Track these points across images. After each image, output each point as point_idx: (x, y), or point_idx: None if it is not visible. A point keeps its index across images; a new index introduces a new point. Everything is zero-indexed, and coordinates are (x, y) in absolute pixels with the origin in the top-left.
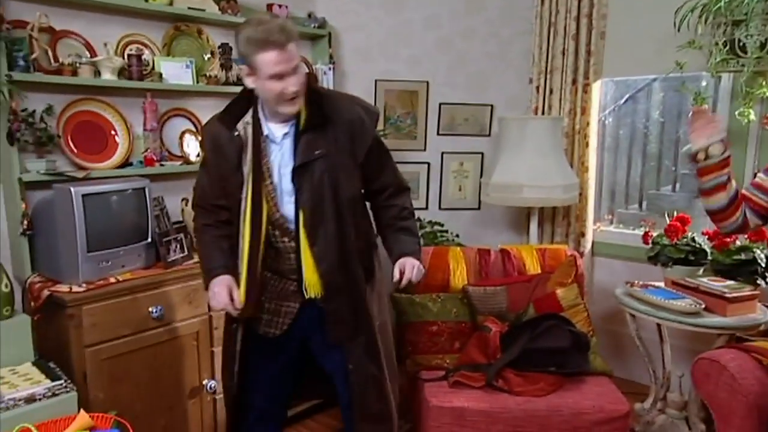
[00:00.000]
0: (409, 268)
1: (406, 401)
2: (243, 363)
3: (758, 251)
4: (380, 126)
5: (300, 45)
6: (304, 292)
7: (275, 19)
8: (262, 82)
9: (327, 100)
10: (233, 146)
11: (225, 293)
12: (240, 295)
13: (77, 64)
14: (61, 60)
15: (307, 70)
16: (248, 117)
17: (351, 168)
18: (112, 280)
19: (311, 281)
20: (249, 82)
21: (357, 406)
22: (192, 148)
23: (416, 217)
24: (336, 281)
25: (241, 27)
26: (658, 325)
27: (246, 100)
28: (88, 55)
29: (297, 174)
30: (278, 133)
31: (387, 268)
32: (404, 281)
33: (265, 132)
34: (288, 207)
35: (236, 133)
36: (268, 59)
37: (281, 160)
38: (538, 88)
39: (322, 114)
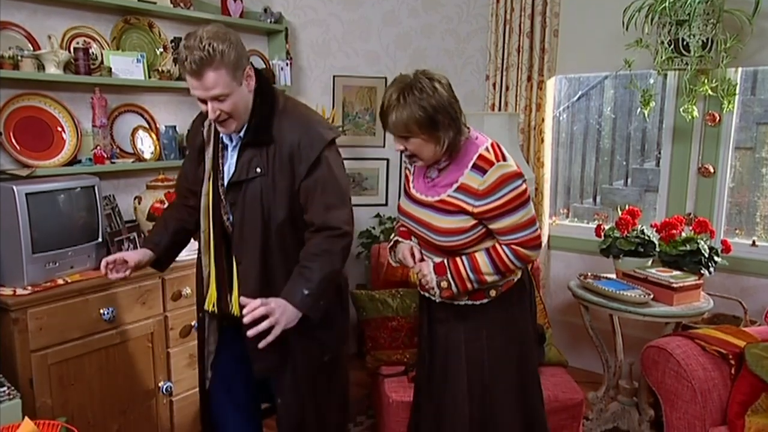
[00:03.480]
0: (268, 320)
1: (368, 397)
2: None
3: (702, 242)
4: (338, 122)
5: (235, 68)
6: (231, 307)
7: (203, 39)
8: None
9: (278, 117)
10: (196, 141)
11: (121, 257)
12: (215, 288)
13: (18, 58)
14: (0, 53)
15: (250, 89)
16: None
17: (287, 192)
18: (60, 281)
19: (235, 298)
20: None
21: None
22: (145, 145)
23: (336, 264)
24: None
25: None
26: (610, 315)
27: None
28: (31, 48)
29: (230, 190)
30: (229, 142)
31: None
32: (248, 319)
33: (222, 136)
34: (230, 216)
35: (202, 129)
36: (187, 80)
37: (229, 169)
38: (494, 84)
39: (267, 131)
